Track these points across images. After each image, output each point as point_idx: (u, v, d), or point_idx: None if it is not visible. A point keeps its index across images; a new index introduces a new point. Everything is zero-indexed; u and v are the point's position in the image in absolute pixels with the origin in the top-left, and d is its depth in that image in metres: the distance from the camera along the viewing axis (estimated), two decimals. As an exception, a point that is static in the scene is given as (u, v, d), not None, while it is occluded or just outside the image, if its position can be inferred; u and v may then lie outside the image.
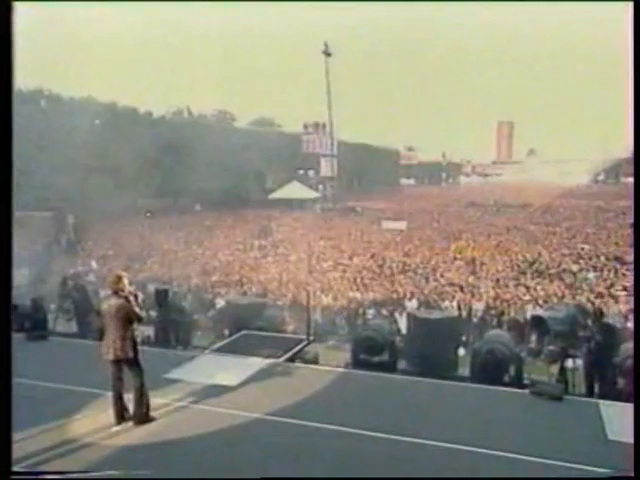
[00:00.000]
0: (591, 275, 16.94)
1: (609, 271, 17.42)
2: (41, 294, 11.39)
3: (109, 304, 5.74)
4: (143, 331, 9.09)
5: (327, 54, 44.70)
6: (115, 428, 5.67)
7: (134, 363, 5.74)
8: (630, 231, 21.39)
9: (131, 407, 5.81)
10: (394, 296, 15.05)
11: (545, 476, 4.97)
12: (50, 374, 7.03)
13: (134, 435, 5.57)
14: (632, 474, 4.04)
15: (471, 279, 16.90)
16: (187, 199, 41.15)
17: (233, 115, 58.34)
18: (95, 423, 5.73)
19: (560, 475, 4.96)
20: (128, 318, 5.71)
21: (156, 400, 6.12)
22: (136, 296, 5.88)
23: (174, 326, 10.11)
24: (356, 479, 4.93)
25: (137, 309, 5.76)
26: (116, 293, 5.77)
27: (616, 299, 14.10)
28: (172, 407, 6.29)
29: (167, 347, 9.45)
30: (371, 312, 13.60)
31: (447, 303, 14.22)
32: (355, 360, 8.58)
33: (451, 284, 16.25)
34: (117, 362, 5.71)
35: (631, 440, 5.46)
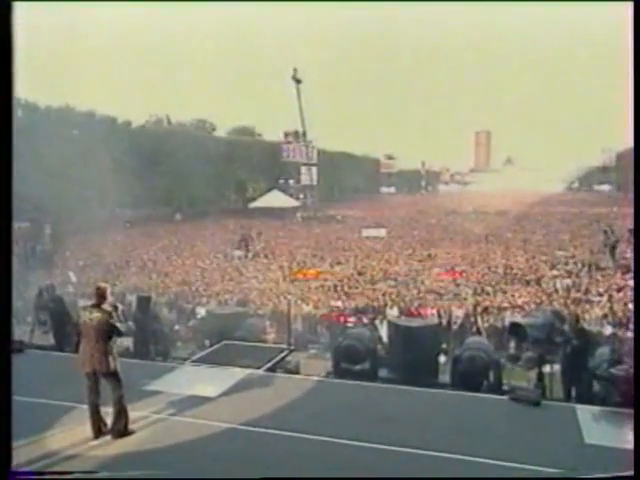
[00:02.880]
0: (567, 281, 17.24)
1: (584, 277, 17.78)
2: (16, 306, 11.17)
3: (90, 317, 5.64)
4: (122, 342, 8.96)
5: (297, 81, 44.80)
6: (93, 442, 5.57)
7: (113, 376, 5.65)
8: (603, 237, 21.87)
9: (109, 420, 5.72)
10: (375, 304, 15.12)
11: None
12: (25, 388, 6.88)
13: (112, 448, 5.48)
14: (632, 474, 4.09)
15: (451, 286, 17.08)
16: (167, 208, 40.88)
17: (213, 124, 58.22)
18: (72, 437, 5.62)
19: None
20: (108, 332, 5.62)
21: (135, 413, 6.04)
22: (116, 308, 5.80)
23: (154, 337, 10.00)
24: (356, 479, 4.94)
25: (118, 324, 5.69)
26: (98, 306, 5.68)
27: (592, 304, 14.38)
28: (151, 419, 6.21)
29: (147, 358, 9.33)
30: (352, 320, 13.64)
31: (428, 310, 14.34)
32: (336, 369, 8.58)
33: (431, 291, 16.40)
34: (94, 375, 5.62)
35: (607, 443, 5.63)
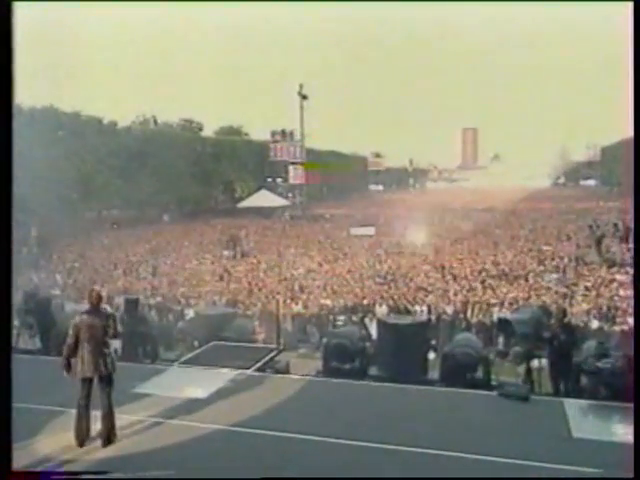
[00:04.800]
0: (554, 276, 17.38)
1: (571, 271, 17.93)
2: None
3: (90, 322, 5.59)
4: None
5: (303, 97, 44.81)
6: (80, 448, 5.51)
7: (108, 380, 5.63)
8: (589, 232, 22.10)
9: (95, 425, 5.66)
10: (364, 302, 15.14)
11: (518, 476, 5.05)
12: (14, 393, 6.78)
13: (100, 452, 5.43)
14: (632, 474, 4.12)
15: (440, 284, 17.12)
16: (155, 209, 40.59)
17: (200, 124, 57.83)
18: (61, 442, 5.55)
19: (530, 474, 5.05)
20: (108, 336, 5.66)
21: (124, 416, 5.99)
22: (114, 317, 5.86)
23: (142, 338, 9.91)
24: (355, 479, 4.93)
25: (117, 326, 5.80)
26: (96, 310, 5.68)
27: (578, 299, 14.51)
28: (140, 422, 6.16)
29: (135, 360, 9.24)
30: (342, 319, 13.64)
31: (417, 308, 14.38)
32: (326, 368, 8.56)
33: (421, 289, 16.43)
34: (90, 380, 5.58)
35: (594, 437, 5.69)
